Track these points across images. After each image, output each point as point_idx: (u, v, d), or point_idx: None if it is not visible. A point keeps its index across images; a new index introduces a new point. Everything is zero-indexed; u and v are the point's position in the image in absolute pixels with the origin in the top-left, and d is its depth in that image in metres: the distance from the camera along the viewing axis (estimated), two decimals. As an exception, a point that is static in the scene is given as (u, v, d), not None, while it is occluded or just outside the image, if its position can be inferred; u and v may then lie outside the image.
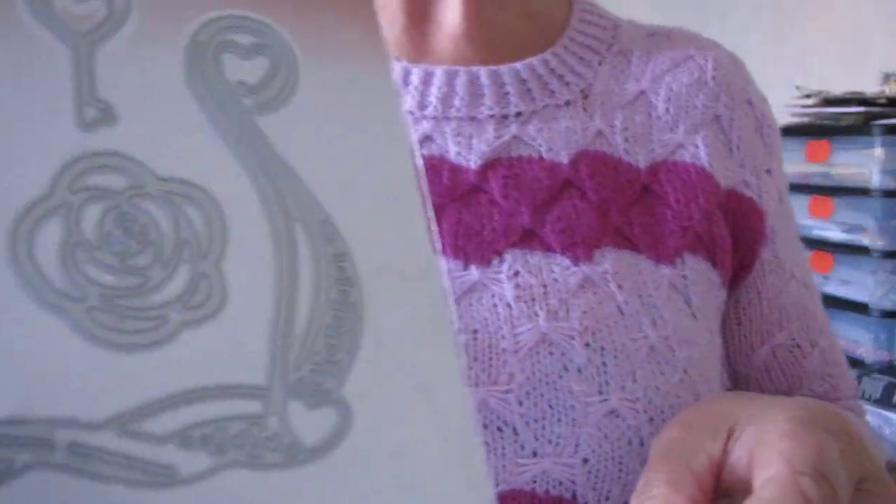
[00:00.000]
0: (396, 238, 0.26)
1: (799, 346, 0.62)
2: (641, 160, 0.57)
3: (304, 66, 0.27)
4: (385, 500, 0.25)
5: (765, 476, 0.33)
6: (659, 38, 0.63)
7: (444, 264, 0.49)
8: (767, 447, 0.35)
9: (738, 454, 0.36)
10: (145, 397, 0.23)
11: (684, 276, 0.54)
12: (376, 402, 0.25)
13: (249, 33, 0.27)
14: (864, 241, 1.87)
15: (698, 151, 0.58)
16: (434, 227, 0.27)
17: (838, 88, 2.01)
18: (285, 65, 0.27)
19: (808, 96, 1.99)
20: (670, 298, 0.53)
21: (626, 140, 0.57)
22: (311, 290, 0.25)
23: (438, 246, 0.26)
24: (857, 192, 1.85)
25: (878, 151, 1.82)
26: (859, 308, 1.87)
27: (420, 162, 0.27)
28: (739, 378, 0.62)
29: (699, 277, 0.55)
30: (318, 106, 0.27)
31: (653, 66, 0.60)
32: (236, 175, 0.25)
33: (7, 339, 0.22)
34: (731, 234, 0.58)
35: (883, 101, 1.89)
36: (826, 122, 1.93)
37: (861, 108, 1.87)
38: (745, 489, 0.35)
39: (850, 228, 1.90)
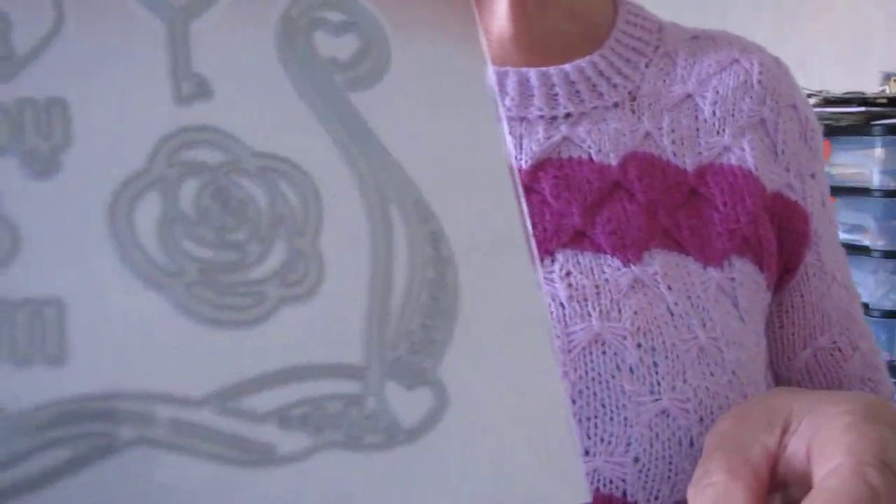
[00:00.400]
0: (490, 218, 0.26)
1: (840, 350, 0.62)
2: (688, 163, 0.57)
3: (395, 44, 0.27)
4: (479, 480, 0.24)
5: (828, 468, 0.34)
6: (703, 40, 0.63)
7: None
8: (828, 440, 0.35)
9: (795, 447, 0.37)
10: (244, 375, 0.23)
11: (732, 279, 0.55)
12: (470, 382, 0.25)
13: (340, 10, 0.26)
14: (865, 241, 1.87)
15: (745, 155, 0.58)
16: (524, 205, 0.27)
17: (838, 88, 2.01)
18: (376, 42, 0.26)
19: (809, 96, 1.99)
20: (718, 301, 0.54)
21: (674, 142, 0.58)
22: (407, 269, 0.25)
23: (529, 225, 0.27)
24: (858, 192, 1.85)
25: (878, 151, 1.82)
26: (859, 308, 1.87)
27: (509, 138, 0.27)
28: (781, 381, 0.62)
29: (746, 280, 0.56)
30: (410, 83, 0.26)
31: (699, 68, 0.61)
32: (331, 153, 0.25)
33: (108, 313, 0.22)
34: (776, 238, 0.59)
35: (883, 101, 1.89)
36: (826, 122, 1.93)
37: (861, 108, 1.87)
38: (802, 482, 0.36)
39: (851, 228, 1.90)
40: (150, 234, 0.23)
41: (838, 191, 1.91)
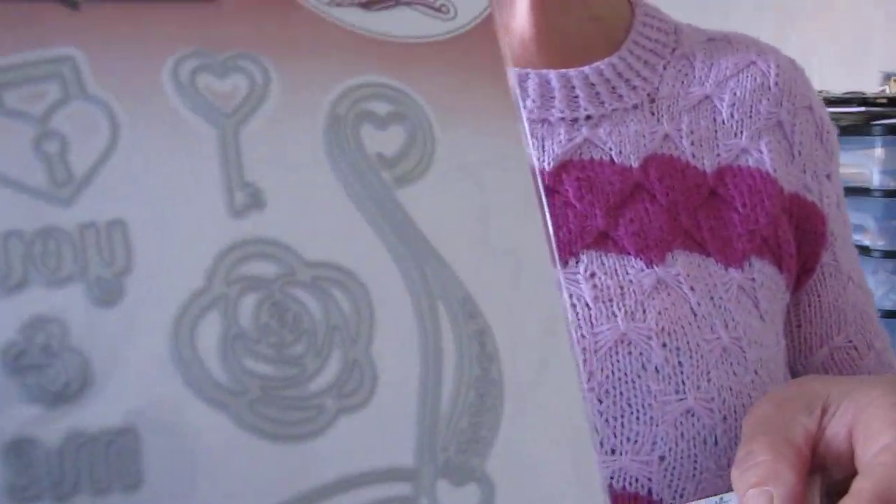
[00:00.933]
0: (532, 314, 0.26)
1: (856, 349, 0.63)
2: (707, 164, 0.58)
3: (440, 134, 0.27)
4: None
5: (878, 445, 0.36)
6: (719, 42, 0.64)
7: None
8: (873, 421, 0.37)
9: (835, 429, 0.39)
10: (305, 487, 0.23)
11: (752, 280, 0.56)
12: (516, 474, 0.25)
13: (386, 101, 0.26)
14: (865, 241, 1.87)
15: (762, 157, 0.59)
16: (566, 296, 0.27)
17: (838, 88, 2.02)
18: (421, 133, 0.26)
19: (809, 96, 1.99)
20: (740, 301, 0.54)
21: (692, 144, 0.58)
22: (455, 369, 0.25)
23: (570, 318, 0.27)
24: (858, 192, 1.85)
25: (878, 151, 1.82)
26: (859, 308, 1.87)
27: (550, 225, 0.27)
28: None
29: (766, 281, 0.56)
30: (455, 176, 0.26)
31: (716, 70, 0.61)
32: (379, 254, 0.25)
33: (177, 437, 0.22)
34: (794, 238, 0.59)
35: (883, 101, 1.89)
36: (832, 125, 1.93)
37: (861, 108, 1.87)
38: (841, 463, 0.39)
39: (851, 228, 1.90)
40: (212, 354, 0.23)
41: (838, 191, 1.91)
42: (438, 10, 0.28)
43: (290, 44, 0.26)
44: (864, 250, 1.86)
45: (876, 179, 1.82)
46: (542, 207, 0.27)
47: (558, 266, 0.27)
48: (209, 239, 0.24)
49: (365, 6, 0.27)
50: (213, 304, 0.23)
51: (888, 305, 1.84)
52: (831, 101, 1.94)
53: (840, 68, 2.34)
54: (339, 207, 0.25)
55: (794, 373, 0.62)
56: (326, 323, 0.24)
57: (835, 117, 2.09)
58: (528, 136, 0.28)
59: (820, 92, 1.99)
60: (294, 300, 0.24)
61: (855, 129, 1.86)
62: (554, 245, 0.27)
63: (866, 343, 0.63)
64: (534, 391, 0.26)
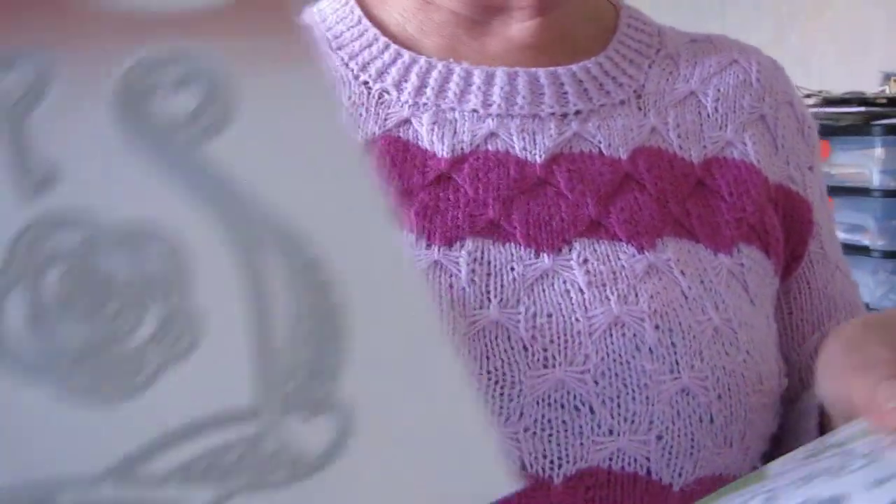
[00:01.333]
0: (363, 238, 0.26)
1: None
2: (694, 155, 0.60)
3: (239, 87, 0.26)
4: (398, 494, 0.25)
5: None
6: (702, 43, 0.66)
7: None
8: None
9: None
10: (139, 443, 0.23)
11: (741, 265, 0.57)
12: (373, 399, 0.25)
13: (178, 64, 0.26)
14: (864, 241, 1.87)
15: (747, 149, 0.61)
16: (398, 213, 0.27)
17: (838, 88, 2.01)
18: (220, 89, 0.26)
19: (808, 96, 1.99)
20: (729, 285, 0.56)
21: (679, 136, 0.60)
22: (287, 301, 0.25)
23: (404, 232, 0.26)
24: (857, 192, 1.85)
25: (878, 151, 1.82)
26: (859, 308, 1.87)
27: (372, 160, 0.28)
28: (792, 368, 0.64)
29: (755, 266, 0.58)
30: (260, 124, 0.26)
31: (700, 69, 0.64)
32: (188, 207, 0.25)
33: None
34: (782, 227, 0.61)
35: (883, 101, 1.89)
36: (826, 122, 1.92)
37: (861, 108, 1.87)
38: None
39: (851, 228, 1.90)
40: (21, 331, 0.23)
41: (838, 191, 1.91)
42: None
43: (66, 30, 0.26)
44: (864, 250, 1.85)
45: (876, 179, 1.82)
46: (354, 140, 0.28)
47: (384, 186, 0.28)
48: (2, 222, 0.24)
49: None
50: (15, 282, 0.24)
51: (888, 305, 1.84)
52: (831, 101, 1.94)
53: (840, 68, 2.34)
54: (138, 170, 0.25)
55: (787, 360, 0.63)
56: (139, 279, 0.24)
57: (835, 117, 2.08)
58: (332, 75, 0.28)
59: (820, 92, 1.99)
60: (102, 262, 0.24)
61: (855, 129, 1.86)
62: (375, 169, 0.28)
63: None
64: (381, 313, 0.26)
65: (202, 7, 0.27)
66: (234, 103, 0.26)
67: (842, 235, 1.93)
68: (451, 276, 0.52)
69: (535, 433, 0.50)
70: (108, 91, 0.25)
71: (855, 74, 2.25)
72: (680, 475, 0.51)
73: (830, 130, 1.91)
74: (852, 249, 1.89)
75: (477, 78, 0.59)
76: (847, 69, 2.32)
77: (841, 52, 2.37)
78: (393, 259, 0.27)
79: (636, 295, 0.52)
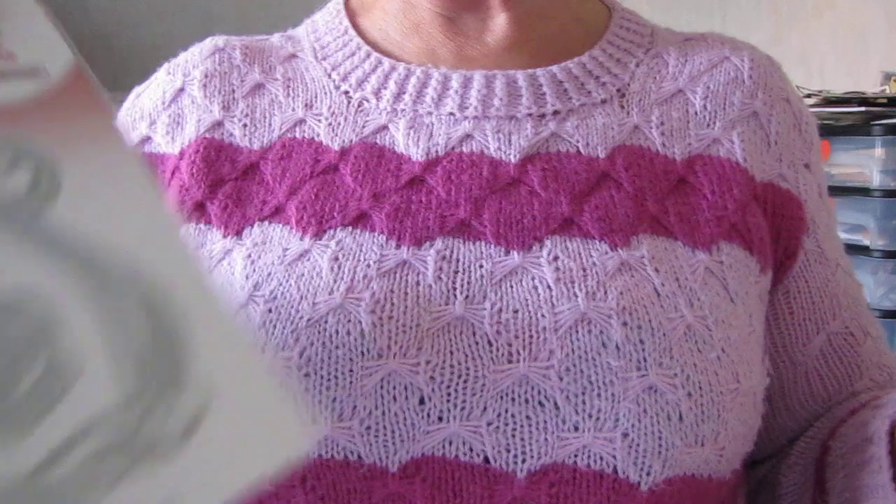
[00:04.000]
0: (176, 262, 0.32)
1: (853, 334, 0.64)
2: (678, 153, 0.59)
3: (63, 160, 0.31)
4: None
5: None
6: (695, 41, 0.65)
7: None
8: None
9: None
10: (32, 461, 0.27)
11: (720, 262, 0.56)
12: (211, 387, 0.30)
13: (8, 149, 0.30)
14: (864, 241, 1.86)
15: (733, 147, 0.60)
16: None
17: (838, 88, 2.01)
18: (47, 164, 0.30)
19: (808, 96, 1.99)
20: (707, 282, 0.55)
21: (663, 134, 0.60)
22: (136, 325, 0.30)
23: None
24: (857, 192, 1.85)
25: (878, 151, 1.82)
26: (859, 308, 1.86)
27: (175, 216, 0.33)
28: (798, 369, 0.64)
29: (736, 264, 0.57)
30: (84, 188, 0.31)
31: (690, 66, 0.63)
32: (44, 268, 0.29)
33: None
34: (771, 225, 0.61)
35: (883, 101, 1.89)
36: (826, 122, 1.92)
37: (861, 108, 1.86)
38: None
39: (851, 228, 1.90)
40: None
41: (838, 191, 1.91)
42: (30, 75, 0.33)
43: None
44: (864, 250, 1.85)
45: (876, 179, 1.82)
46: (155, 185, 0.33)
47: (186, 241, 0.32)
48: None
49: None
50: None
51: (888, 305, 1.84)
52: (831, 101, 1.94)
53: (840, 68, 2.33)
54: None
55: (793, 361, 0.63)
56: (14, 342, 0.27)
57: (835, 117, 2.08)
58: (120, 131, 0.33)
59: (820, 92, 1.99)
60: None
61: (855, 129, 1.86)
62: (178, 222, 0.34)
63: (862, 329, 0.65)
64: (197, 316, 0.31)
65: (23, 98, 0.31)
66: (60, 173, 0.30)
67: (842, 235, 1.92)
68: (417, 273, 0.52)
69: (497, 427, 0.49)
70: None
71: (855, 74, 2.25)
72: (648, 474, 0.50)
73: (830, 130, 1.91)
74: (852, 249, 1.88)
75: (455, 82, 0.59)
76: (847, 69, 2.32)
77: (841, 52, 2.37)
78: (196, 271, 0.32)
79: (605, 292, 0.52)
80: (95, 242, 0.30)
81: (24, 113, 0.31)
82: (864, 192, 1.84)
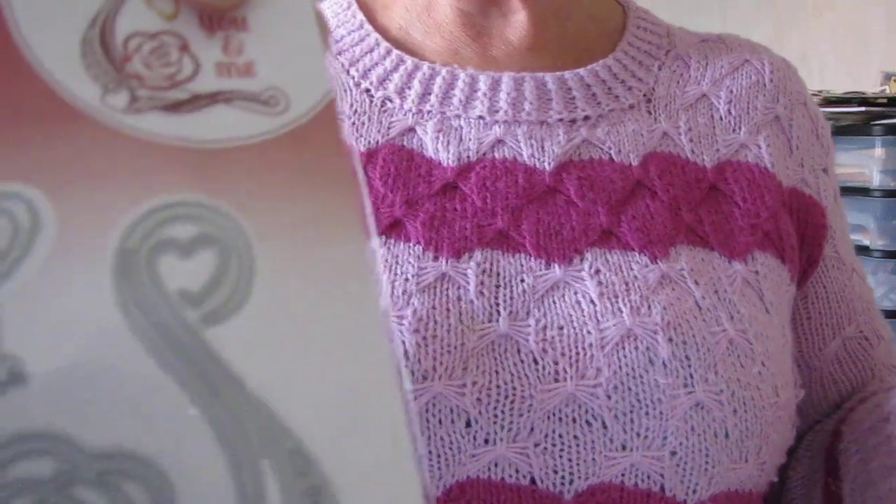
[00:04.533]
0: (379, 468, 0.22)
1: (867, 338, 0.64)
2: (707, 160, 0.58)
3: (260, 256, 0.22)
4: None
5: None
6: (712, 43, 0.65)
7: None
8: None
9: None
10: None
11: (756, 272, 0.56)
12: None
13: (191, 222, 0.22)
14: (864, 241, 1.86)
15: (761, 152, 0.60)
16: (422, 448, 0.25)
17: (838, 88, 2.01)
18: (236, 257, 0.22)
19: (809, 96, 1.98)
20: (744, 294, 0.54)
21: (691, 140, 0.59)
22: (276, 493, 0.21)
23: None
24: (857, 192, 1.85)
25: (878, 151, 1.82)
26: (859, 308, 1.86)
27: (400, 355, 0.24)
28: (813, 373, 0.63)
29: (770, 273, 0.57)
30: (279, 307, 0.22)
31: (711, 70, 0.62)
32: (184, 422, 0.21)
33: None
34: (796, 232, 0.60)
35: (883, 101, 1.89)
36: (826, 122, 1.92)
37: (861, 108, 1.86)
38: None
39: (851, 228, 1.89)
40: None
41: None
42: (265, 102, 0.24)
43: (66, 167, 0.21)
44: (864, 250, 1.85)
45: (876, 179, 1.82)
46: (386, 332, 0.23)
47: (411, 402, 0.23)
48: None
49: (172, 109, 0.23)
50: None
51: (888, 305, 1.84)
52: (831, 101, 1.94)
53: (840, 68, 2.33)
54: (133, 371, 0.21)
55: (809, 366, 0.63)
56: None
57: (835, 117, 2.08)
58: (377, 252, 0.25)
59: (820, 92, 1.99)
60: (77, 493, 0.20)
61: (855, 129, 1.86)
62: (402, 370, 0.23)
63: (875, 333, 0.64)
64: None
65: (244, 140, 0.23)
66: (251, 278, 0.22)
67: (842, 235, 1.93)
68: (459, 288, 0.50)
69: (545, 448, 0.48)
70: (108, 254, 0.21)
71: (855, 74, 2.25)
72: (694, 491, 0.49)
73: (830, 130, 1.90)
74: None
75: (482, 84, 0.58)
76: (847, 69, 2.32)
77: (841, 52, 2.37)
78: (405, 490, 0.23)
79: (649, 306, 0.51)
80: (274, 403, 0.22)
81: (240, 161, 0.22)
82: (864, 192, 1.84)
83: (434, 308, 0.49)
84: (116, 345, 0.21)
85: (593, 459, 0.48)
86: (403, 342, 0.48)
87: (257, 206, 0.22)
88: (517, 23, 0.59)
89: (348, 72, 0.59)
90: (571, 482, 0.48)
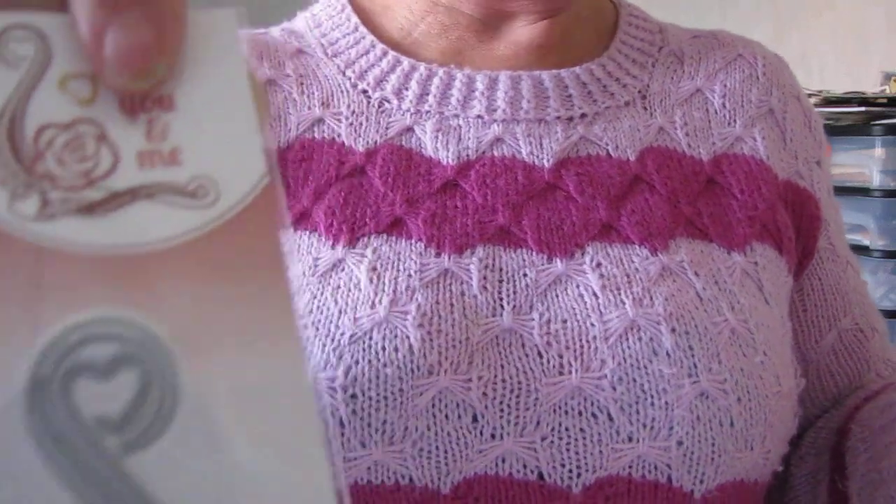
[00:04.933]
0: None
1: (862, 331, 0.65)
2: (703, 153, 0.59)
3: (186, 376, 0.20)
4: None
5: None
6: (705, 38, 0.66)
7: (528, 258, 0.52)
8: None
9: None
10: None
11: (755, 263, 0.56)
12: None
13: (109, 342, 0.20)
14: (864, 241, 1.86)
15: (756, 144, 0.60)
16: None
17: (838, 88, 2.01)
18: (159, 378, 0.20)
19: (809, 96, 1.98)
20: (744, 284, 0.55)
21: (687, 134, 0.60)
22: None
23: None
24: (857, 192, 1.85)
25: (878, 151, 1.82)
26: (859, 308, 1.86)
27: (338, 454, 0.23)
28: (810, 365, 0.64)
29: (769, 264, 0.57)
30: (205, 428, 0.20)
31: (705, 65, 0.63)
32: None
33: None
34: (792, 223, 0.60)
35: (883, 101, 1.89)
36: (826, 122, 1.92)
37: (861, 108, 1.86)
38: None
39: (851, 228, 1.90)
40: None
41: (838, 191, 1.90)
42: (192, 195, 0.21)
43: None
44: (864, 250, 1.85)
45: (876, 179, 1.82)
46: (327, 442, 0.21)
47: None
48: None
49: (87, 211, 0.21)
50: None
51: (888, 305, 1.84)
52: (831, 101, 1.94)
53: (840, 68, 2.33)
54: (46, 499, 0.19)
55: (804, 358, 0.63)
56: None
57: (835, 117, 2.08)
58: (306, 355, 0.23)
59: (820, 92, 1.99)
60: None
61: (855, 129, 1.86)
62: (340, 476, 0.21)
63: (870, 325, 0.65)
64: None
65: (168, 241, 0.21)
66: (176, 396, 0.20)
67: (842, 235, 1.93)
68: (462, 283, 0.51)
69: (552, 442, 0.48)
70: (19, 380, 0.20)
71: (855, 74, 2.25)
72: (701, 482, 0.49)
73: (830, 130, 1.90)
74: (852, 249, 1.88)
75: (480, 83, 0.58)
76: (847, 69, 2.32)
77: (841, 52, 2.37)
78: None
79: (651, 298, 0.51)
80: None
81: (163, 265, 0.20)
82: (864, 192, 1.84)
83: (438, 303, 0.49)
84: (31, 483, 0.19)
85: (600, 452, 0.48)
86: (408, 337, 0.48)
87: (181, 319, 0.21)
88: (532, 30, 0.60)
89: (344, 73, 0.60)
90: (579, 475, 0.48)
